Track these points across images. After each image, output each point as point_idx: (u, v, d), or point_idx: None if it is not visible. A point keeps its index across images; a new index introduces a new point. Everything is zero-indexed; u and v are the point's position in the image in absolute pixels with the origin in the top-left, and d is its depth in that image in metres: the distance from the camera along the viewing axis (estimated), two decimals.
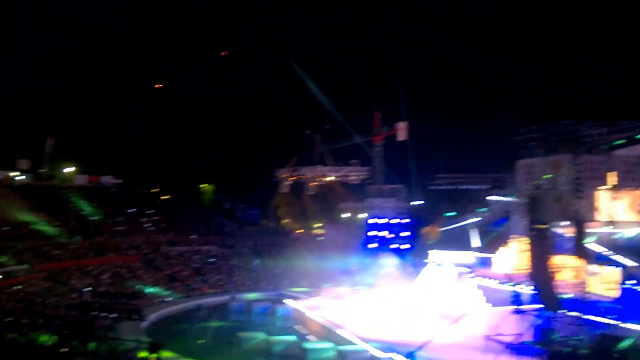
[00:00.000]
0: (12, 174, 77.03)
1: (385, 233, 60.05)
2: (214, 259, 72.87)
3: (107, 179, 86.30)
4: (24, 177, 78.12)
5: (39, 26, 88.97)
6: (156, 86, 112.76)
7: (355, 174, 64.67)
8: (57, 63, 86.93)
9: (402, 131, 59.51)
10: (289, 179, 66.62)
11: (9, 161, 79.20)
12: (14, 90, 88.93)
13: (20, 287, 49.39)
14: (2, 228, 61.01)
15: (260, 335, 44.98)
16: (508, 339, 37.53)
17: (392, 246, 59.22)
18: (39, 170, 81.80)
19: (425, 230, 67.84)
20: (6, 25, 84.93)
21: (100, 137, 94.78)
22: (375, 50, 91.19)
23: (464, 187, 65.28)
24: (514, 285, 41.10)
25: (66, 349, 28.05)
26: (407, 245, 58.27)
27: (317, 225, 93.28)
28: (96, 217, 71.51)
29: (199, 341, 45.84)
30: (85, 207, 72.96)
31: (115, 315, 35.98)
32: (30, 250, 58.57)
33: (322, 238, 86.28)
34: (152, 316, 50.83)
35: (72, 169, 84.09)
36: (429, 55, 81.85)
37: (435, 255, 58.86)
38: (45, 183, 78.99)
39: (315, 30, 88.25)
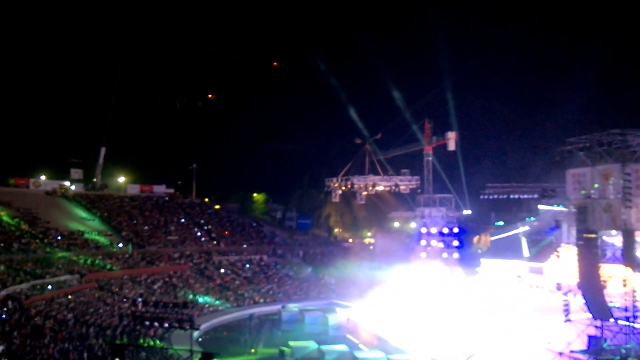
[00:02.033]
0: (65, 183, 78.81)
1: (435, 242, 59.59)
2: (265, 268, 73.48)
3: (159, 189, 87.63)
4: (77, 186, 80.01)
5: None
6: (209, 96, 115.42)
7: (405, 184, 64.13)
8: (110, 75, 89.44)
9: (451, 141, 58.87)
10: (340, 188, 66.67)
11: (63, 171, 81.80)
12: (68, 100, 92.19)
13: (72, 296, 50.01)
14: (55, 237, 62.86)
15: (311, 345, 45.21)
16: (558, 347, 37.08)
17: (443, 255, 58.72)
18: (92, 180, 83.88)
19: (476, 239, 67.20)
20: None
21: (152, 147, 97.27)
22: (424, 58, 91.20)
23: (513, 196, 64.52)
24: (564, 294, 40.39)
25: (118, 359, 28.64)
26: (457, 255, 57.67)
27: (367, 234, 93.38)
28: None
29: (251, 350, 46.12)
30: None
31: (167, 324, 36.46)
32: (83, 260, 59.88)
33: (373, 247, 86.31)
34: (204, 325, 50.94)
35: (124, 178, 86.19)
36: (479, 65, 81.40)
37: (485, 264, 58.29)
38: (98, 192, 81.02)
39: (364, 39, 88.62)
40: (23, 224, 62.89)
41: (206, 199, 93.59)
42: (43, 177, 77.79)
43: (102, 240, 66.17)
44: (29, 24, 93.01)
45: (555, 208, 49.82)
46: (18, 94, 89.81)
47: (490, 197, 64.80)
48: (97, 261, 60.85)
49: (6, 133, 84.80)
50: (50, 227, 64.51)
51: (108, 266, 60.85)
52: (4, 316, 39.05)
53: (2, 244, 55.65)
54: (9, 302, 42.22)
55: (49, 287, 49.98)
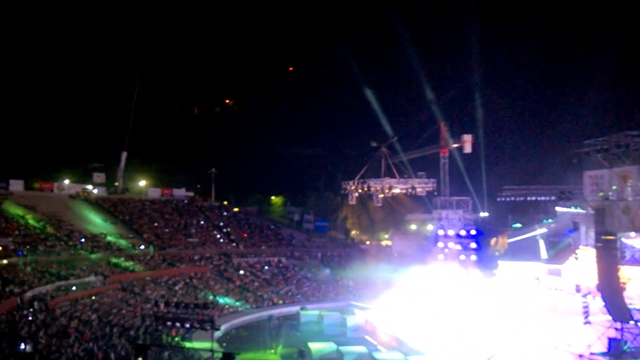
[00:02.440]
0: (88, 187, 79.94)
1: (452, 244, 59.66)
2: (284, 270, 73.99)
3: (179, 192, 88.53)
4: (99, 190, 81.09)
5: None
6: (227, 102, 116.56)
7: (421, 186, 64.23)
8: (130, 83, 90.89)
9: (468, 143, 58.91)
10: (357, 191, 66.99)
11: (86, 175, 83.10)
12: (91, 107, 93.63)
13: (95, 297, 50.70)
14: (79, 240, 63.84)
15: (330, 346, 45.46)
16: (579, 350, 37.10)
17: (460, 257, 58.76)
18: (114, 184, 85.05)
19: (493, 241, 67.20)
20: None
21: (172, 152, 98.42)
22: (441, 61, 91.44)
23: (530, 198, 64.45)
24: (583, 296, 40.45)
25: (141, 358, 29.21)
26: (475, 257, 57.70)
27: (384, 236, 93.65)
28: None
29: (270, 351, 46.36)
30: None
31: (188, 325, 36.99)
32: (106, 262, 60.86)
33: (390, 249, 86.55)
34: (224, 326, 51.24)
35: (145, 182, 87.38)
36: (495, 67, 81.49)
37: (503, 267, 58.31)
38: (119, 196, 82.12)
39: (379, 41, 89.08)
40: (48, 227, 63.81)
41: (225, 202, 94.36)
42: (67, 182, 78.71)
43: (123, 243, 67.03)
44: (50, 31, 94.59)
45: (572, 210, 49.82)
46: (42, 101, 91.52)
47: (508, 199, 64.88)
48: (119, 263, 61.72)
49: (31, 139, 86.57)
50: (74, 230, 65.53)
51: (130, 268, 61.66)
52: (30, 317, 39.69)
53: (28, 247, 56.43)
54: (35, 303, 43.02)
55: (74, 288, 50.80)
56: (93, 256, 61.09)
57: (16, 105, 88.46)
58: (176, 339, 44.09)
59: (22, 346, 31.99)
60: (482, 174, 65.48)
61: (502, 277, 57.33)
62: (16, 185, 71.71)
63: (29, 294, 44.68)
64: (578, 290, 43.29)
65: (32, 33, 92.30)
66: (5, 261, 50.77)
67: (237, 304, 61.59)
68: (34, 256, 55.02)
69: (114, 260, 61.82)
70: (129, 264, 62.38)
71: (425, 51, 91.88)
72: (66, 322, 40.97)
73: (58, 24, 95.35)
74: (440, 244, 60.24)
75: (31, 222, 63.59)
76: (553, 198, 55.68)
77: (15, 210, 64.83)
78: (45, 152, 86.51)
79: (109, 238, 67.04)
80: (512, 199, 65.48)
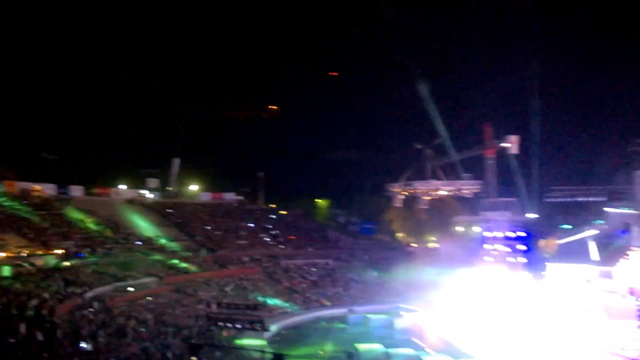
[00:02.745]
0: (143, 192, 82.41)
1: (500, 246, 59.26)
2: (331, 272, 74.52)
3: (229, 196, 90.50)
4: (153, 195, 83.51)
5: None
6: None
7: (468, 188, 64.41)
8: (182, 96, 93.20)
9: (513, 144, 58.71)
10: (402, 193, 67.30)
11: (141, 181, 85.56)
12: (145, 117, 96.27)
13: (151, 298, 52.35)
14: (135, 243, 65.71)
15: (378, 348, 45.82)
16: (633, 354, 36.64)
17: (508, 259, 58.33)
18: (167, 189, 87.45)
19: (542, 243, 66.32)
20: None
21: (223, 158, 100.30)
22: (486, 62, 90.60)
23: (580, 199, 63.38)
24: (637, 299, 39.94)
25: (194, 358, 29.96)
26: (524, 259, 57.17)
27: (431, 238, 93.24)
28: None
29: (319, 352, 46.71)
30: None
31: (239, 325, 37.74)
32: (160, 264, 62.47)
33: (437, 251, 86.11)
34: (274, 327, 51.84)
35: (197, 186, 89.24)
36: (541, 66, 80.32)
37: (552, 269, 57.66)
38: (173, 200, 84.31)
39: (424, 44, 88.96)
40: (107, 230, 65.85)
41: (273, 205, 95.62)
42: (123, 187, 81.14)
43: (174, 246, 68.51)
44: (104, 41, 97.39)
45: (623, 211, 49.01)
46: (99, 112, 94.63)
47: (556, 200, 63.89)
48: (176, 264, 63.33)
49: (91, 147, 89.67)
50: (130, 233, 67.49)
51: (188, 269, 63.28)
52: (90, 316, 40.94)
53: (88, 249, 58.38)
54: (95, 303, 44.36)
55: (131, 289, 52.43)
56: (153, 257, 62.85)
57: (75, 117, 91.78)
58: (229, 339, 44.96)
59: (83, 344, 32.65)
60: (530, 175, 64.78)
61: (551, 279, 56.61)
62: (76, 191, 74.07)
63: (90, 294, 46.07)
64: (632, 292, 42.75)
65: (89, 44, 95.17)
66: (67, 263, 52.47)
67: (286, 305, 62.29)
68: (94, 258, 56.88)
69: (172, 261, 63.41)
70: (186, 265, 63.85)
71: (472, 52, 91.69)
72: (124, 321, 42.09)
73: (113, 35, 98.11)
74: (488, 246, 59.92)
75: (91, 225, 65.67)
76: (603, 199, 54.63)
77: (76, 214, 66.93)
78: (103, 159, 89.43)
79: (163, 241, 68.75)
80: (561, 199, 64.48)
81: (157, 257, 63.82)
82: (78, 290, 45.56)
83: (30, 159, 79.16)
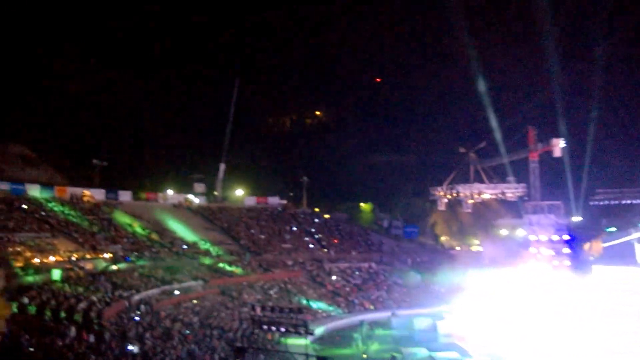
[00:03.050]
0: (189, 196, 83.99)
1: (545, 249, 58.69)
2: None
3: (274, 200, 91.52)
4: (199, 199, 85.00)
5: None
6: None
7: (511, 191, 63.88)
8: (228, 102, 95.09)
9: (557, 147, 58.09)
10: (446, 196, 67.20)
11: (188, 186, 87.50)
12: (193, 124, 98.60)
13: (197, 301, 53.05)
14: (181, 247, 67.07)
15: (422, 351, 45.87)
16: None
17: (553, 262, 57.74)
18: (213, 194, 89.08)
19: (587, 245, 65.45)
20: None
21: (267, 163, 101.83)
22: (529, 64, 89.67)
23: (625, 201, 62.41)
24: None
25: None
26: (568, 262, 56.53)
27: (474, 241, 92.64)
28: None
29: (362, 356, 46.77)
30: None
31: (283, 329, 38.10)
32: (206, 267, 63.57)
33: (481, 254, 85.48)
34: (318, 330, 51.78)
35: (242, 191, 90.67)
36: (584, 69, 79.18)
37: (597, 271, 56.84)
38: (218, 205, 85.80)
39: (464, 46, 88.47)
40: (153, 235, 67.45)
41: (316, 209, 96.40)
42: (170, 192, 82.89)
43: (219, 249, 69.62)
44: (155, 49, 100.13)
45: None
46: (148, 119, 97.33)
47: (601, 202, 63.07)
48: (223, 267, 64.55)
49: (140, 153, 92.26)
50: (176, 237, 68.91)
51: (229, 272, 64.22)
52: (137, 319, 41.92)
53: (135, 253, 59.72)
54: (142, 306, 45.22)
55: (177, 292, 53.30)
56: (199, 261, 64.00)
57: (125, 124, 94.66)
58: (273, 343, 45.42)
59: (130, 347, 33.28)
60: (574, 177, 64.08)
61: (596, 282, 55.87)
62: (125, 196, 76.19)
63: (137, 297, 46.82)
64: None
65: (140, 53, 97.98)
66: (115, 267, 53.77)
67: (330, 308, 62.86)
68: (142, 262, 58.14)
69: (217, 265, 64.52)
70: (231, 268, 64.89)
71: (515, 56, 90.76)
72: (170, 324, 42.95)
73: (164, 42, 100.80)
74: (532, 249, 59.42)
75: (138, 230, 67.40)
76: None
77: (123, 219, 68.86)
78: (151, 165, 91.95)
79: (208, 245, 69.96)
80: (606, 202, 63.59)
81: (203, 260, 64.91)
82: (125, 294, 46.21)
83: (81, 165, 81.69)
